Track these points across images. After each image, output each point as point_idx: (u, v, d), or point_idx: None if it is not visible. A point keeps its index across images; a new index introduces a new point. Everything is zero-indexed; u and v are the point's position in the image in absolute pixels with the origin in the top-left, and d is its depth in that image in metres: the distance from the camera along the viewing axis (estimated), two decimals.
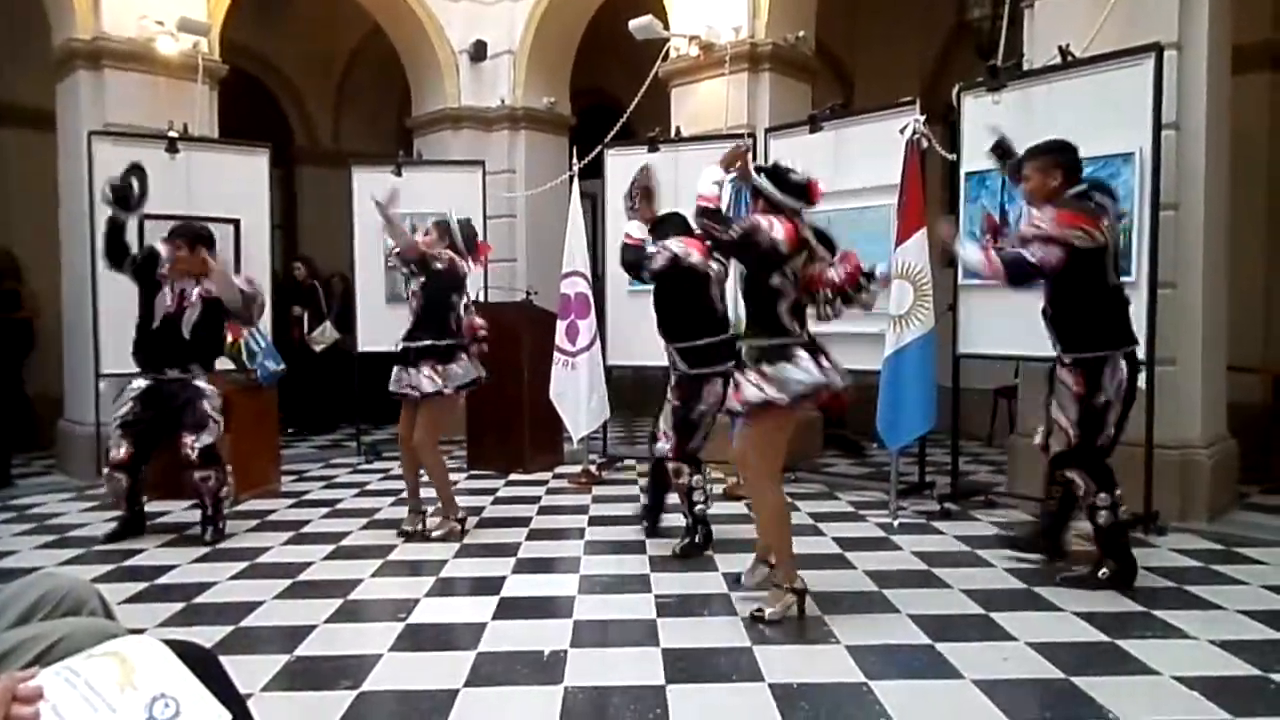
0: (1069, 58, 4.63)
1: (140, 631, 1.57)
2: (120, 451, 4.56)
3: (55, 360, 6.88)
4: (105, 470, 4.73)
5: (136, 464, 4.63)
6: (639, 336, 6.20)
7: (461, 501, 5.49)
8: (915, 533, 4.63)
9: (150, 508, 5.40)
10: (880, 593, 3.62)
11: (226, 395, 5.48)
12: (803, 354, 3.28)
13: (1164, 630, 3.15)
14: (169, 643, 1.28)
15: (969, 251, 3.78)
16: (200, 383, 4.67)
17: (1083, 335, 3.59)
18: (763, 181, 3.44)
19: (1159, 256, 4.37)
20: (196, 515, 5.13)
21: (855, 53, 8.95)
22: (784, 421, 3.38)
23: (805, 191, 3.43)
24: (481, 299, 7.00)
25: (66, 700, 1.13)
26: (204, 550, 4.42)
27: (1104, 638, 3.08)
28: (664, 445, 4.26)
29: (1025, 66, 4.97)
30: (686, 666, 2.88)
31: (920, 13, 8.46)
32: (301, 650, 3.06)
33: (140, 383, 4.65)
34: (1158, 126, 4.33)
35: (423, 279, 4.80)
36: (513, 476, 6.23)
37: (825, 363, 3.30)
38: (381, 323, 7.35)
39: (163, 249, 4.70)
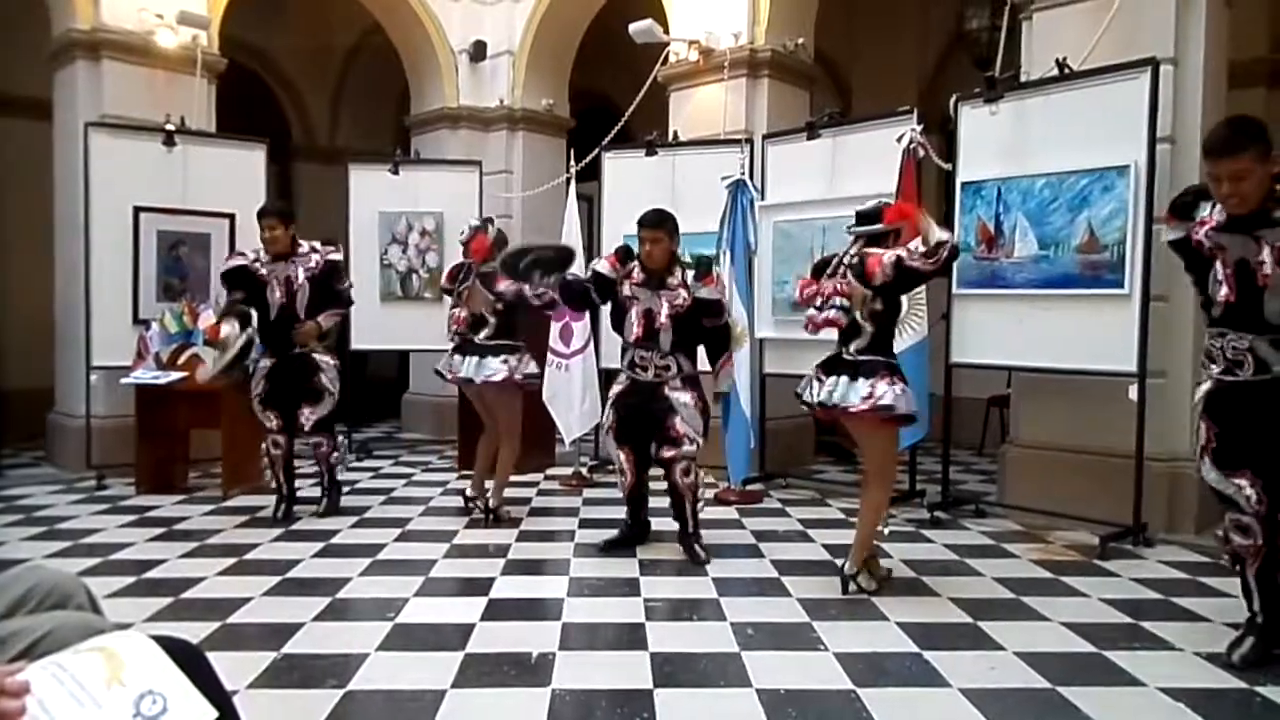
0: (1066, 70, 4.65)
1: (127, 626, 1.57)
2: (272, 423, 4.99)
3: (47, 352, 6.84)
4: (263, 445, 5.14)
5: (287, 433, 5.03)
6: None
7: (452, 502, 5.52)
8: (905, 541, 4.63)
9: (140, 501, 5.40)
10: (869, 600, 3.63)
11: (216, 390, 5.49)
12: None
13: (1151, 642, 3.17)
14: (156, 638, 1.28)
15: None
16: (318, 356, 5.02)
17: None
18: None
19: (1151, 269, 4.39)
20: (189, 510, 5.13)
21: (854, 61, 8.97)
22: None
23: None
24: None
25: (53, 695, 1.12)
26: (192, 545, 4.40)
27: (1091, 648, 3.10)
28: (692, 448, 4.19)
29: (1022, 78, 4.99)
30: (674, 671, 2.88)
31: (919, 23, 8.49)
32: (289, 648, 3.05)
33: (266, 361, 4.98)
34: (1153, 140, 4.35)
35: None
36: None
37: None
38: (377, 321, 7.37)
39: (240, 259, 5.04)
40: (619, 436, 4.31)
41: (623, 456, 4.31)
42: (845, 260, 3.73)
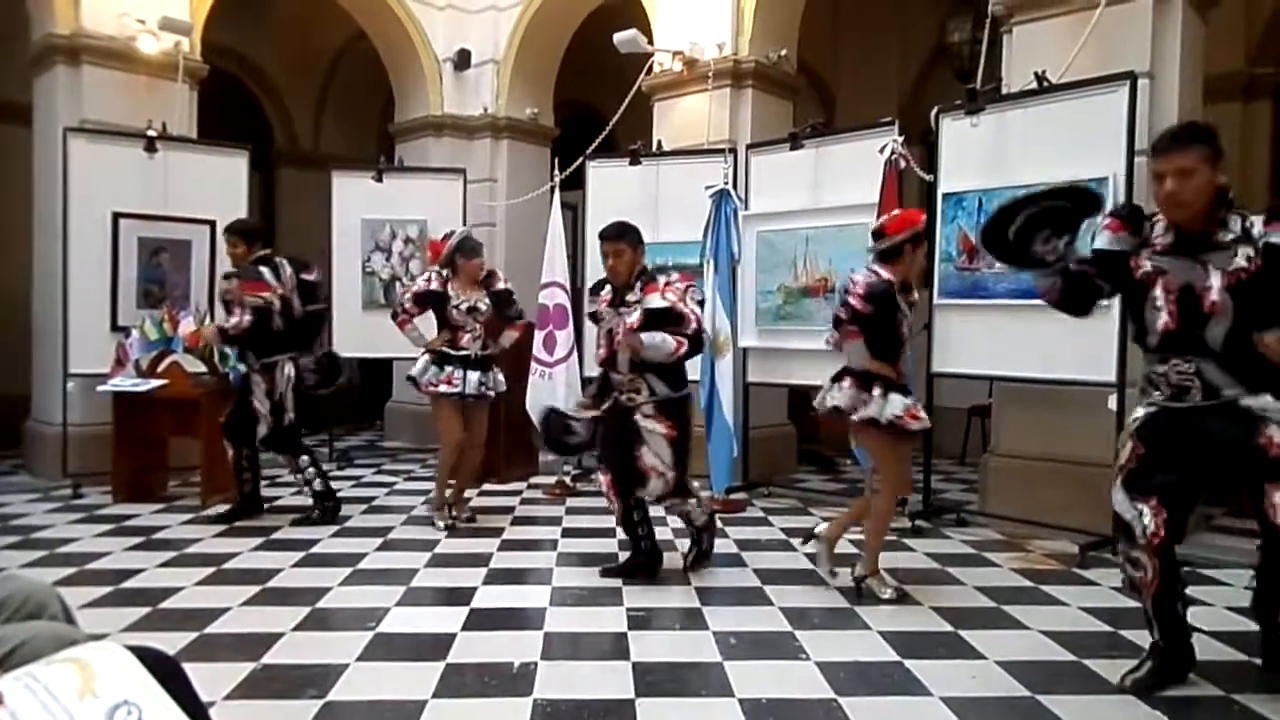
0: (1045, 83, 4.70)
1: (103, 637, 1.55)
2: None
3: (23, 359, 6.77)
4: None
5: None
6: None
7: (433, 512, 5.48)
8: (887, 549, 4.63)
9: (118, 510, 5.35)
10: (851, 609, 3.63)
11: (196, 398, 5.45)
12: None
13: (1130, 650, 3.18)
14: (132, 649, 1.27)
15: None
16: (252, 376, 5.01)
17: None
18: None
19: None
20: (167, 519, 5.08)
21: (837, 72, 9.04)
22: None
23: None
24: None
25: (25, 707, 1.11)
26: (170, 555, 4.36)
27: (1071, 657, 3.11)
28: (660, 485, 3.89)
29: (1003, 91, 5.04)
30: (657, 681, 2.87)
31: (901, 35, 8.57)
32: (268, 658, 3.02)
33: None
34: (1131, 152, 4.40)
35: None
36: (487, 486, 6.20)
37: None
38: (358, 328, 7.34)
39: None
40: (600, 459, 4.12)
41: (604, 482, 4.04)
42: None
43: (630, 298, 3.92)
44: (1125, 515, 2.76)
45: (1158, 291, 2.67)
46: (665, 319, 3.85)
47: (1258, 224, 2.58)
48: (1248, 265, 2.56)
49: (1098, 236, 2.80)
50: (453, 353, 4.91)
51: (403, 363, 8.12)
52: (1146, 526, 2.69)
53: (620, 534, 4.35)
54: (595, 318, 4.12)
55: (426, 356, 4.95)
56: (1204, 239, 2.62)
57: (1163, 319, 2.67)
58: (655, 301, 3.85)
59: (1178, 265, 2.65)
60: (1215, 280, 2.58)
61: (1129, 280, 2.75)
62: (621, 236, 3.99)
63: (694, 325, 3.88)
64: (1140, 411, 2.80)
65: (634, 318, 3.84)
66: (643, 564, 4.05)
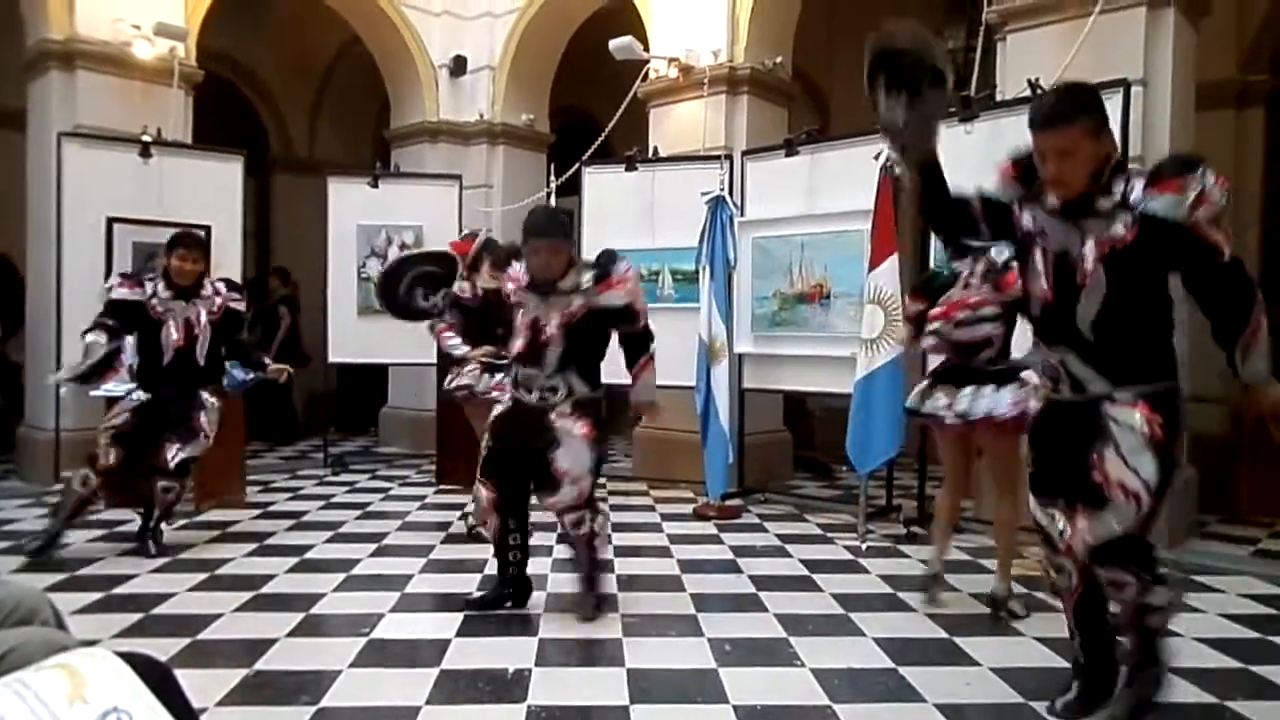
0: (1039, 90, 4.71)
1: (94, 643, 1.54)
2: (110, 459, 4.35)
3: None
4: (84, 472, 4.39)
5: (121, 471, 4.44)
6: (610, 353, 6.22)
7: (429, 517, 5.48)
8: (882, 556, 4.65)
9: (110, 515, 5.32)
10: (846, 616, 3.63)
11: None
12: None
13: (1123, 657, 3.18)
14: (123, 655, 1.26)
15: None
16: (205, 395, 4.55)
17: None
18: None
19: None
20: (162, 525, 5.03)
21: (831, 79, 9.06)
22: None
23: None
24: None
25: (14, 713, 1.10)
26: (163, 561, 4.33)
27: (1064, 663, 3.10)
28: (571, 493, 3.48)
29: (997, 98, 5.06)
30: (651, 687, 2.87)
31: None
32: (261, 664, 3.01)
33: (141, 395, 4.46)
34: (1124, 160, 4.41)
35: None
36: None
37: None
38: (353, 334, 7.34)
39: (135, 292, 4.44)
40: (485, 469, 3.54)
41: (484, 493, 3.53)
42: (976, 273, 3.60)
43: (564, 285, 3.46)
44: (1041, 521, 2.59)
45: (1037, 255, 2.44)
46: (619, 317, 3.53)
47: (1138, 188, 2.28)
48: (1123, 235, 2.28)
49: (994, 177, 2.57)
50: (499, 361, 4.55)
51: (399, 369, 8.16)
52: (1062, 531, 2.49)
53: (614, 541, 4.35)
54: (514, 304, 3.59)
55: (475, 367, 4.69)
56: (1085, 203, 2.33)
57: (1040, 288, 2.43)
58: (614, 299, 3.48)
59: (1057, 229, 2.38)
60: (1090, 250, 2.32)
61: (1011, 234, 2.51)
62: (553, 231, 3.50)
63: (643, 321, 3.58)
64: (1032, 407, 2.68)
65: (573, 306, 3.45)
66: (508, 595, 3.65)
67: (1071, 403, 2.44)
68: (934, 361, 3.92)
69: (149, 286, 4.48)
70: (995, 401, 3.49)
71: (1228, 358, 2.34)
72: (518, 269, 3.60)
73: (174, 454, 4.40)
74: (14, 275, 7.29)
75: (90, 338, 4.34)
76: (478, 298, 4.78)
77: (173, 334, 4.45)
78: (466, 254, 4.96)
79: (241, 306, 4.76)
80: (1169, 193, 2.23)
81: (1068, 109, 2.33)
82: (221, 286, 4.68)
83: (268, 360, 4.97)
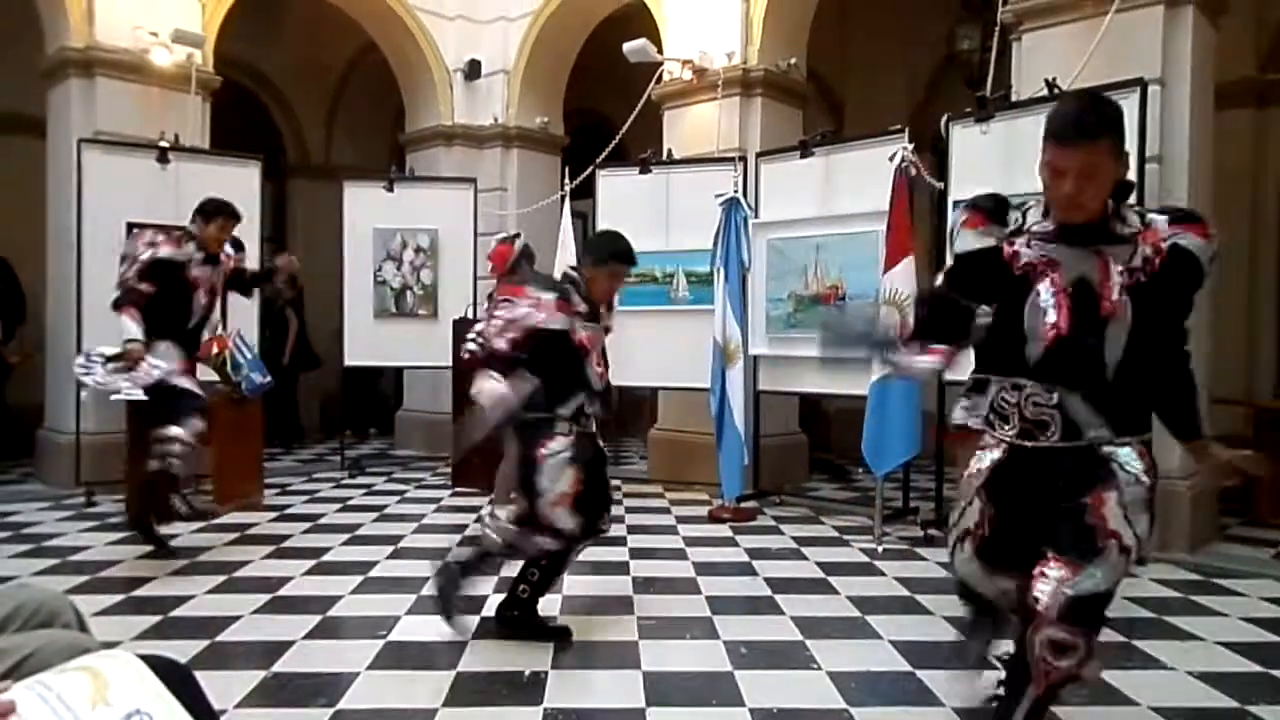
0: (1055, 90, 4.69)
1: (115, 645, 1.55)
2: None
3: (37, 368, 6.82)
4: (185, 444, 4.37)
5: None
6: (627, 355, 6.22)
7: (444, 520, 5.50)
8: (899, 559, 4.63)
9: None
10: (863, 619, 3.62)
11: (210, 407, 5.46)
12: None
13: (1143, 661, 3.16)
14: (144, 657, 1.27)
15: None
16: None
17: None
18: None
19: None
20: (179, 527, 5.07)
21: (845, 80, 9.04)
22: None
23: None
24: (472, 316, 7.01)
25: (38, 715, 1.12)
26: (182, 563, 4.37)
27: None
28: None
29: (1013, 98, 5.03)
30: (667, 690, 2.87)
31: (910, 43, 8.56)
32: (278, 666, 3.03)
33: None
34: (1141, 160, 4.38)
35: None
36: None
37: None
38: (370, 337, 7.37)
39: (177, 252, 4.52)
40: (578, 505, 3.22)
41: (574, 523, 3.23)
42: None
43: (604, 310, 3.42)
44: (983, 591, 2.31)
45: (1043, 287, 2.09)
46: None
47: (1159, 222, 2.09)
48: (1151, 261, 2.04)
49: (957, 238, 2.24)
50: None
51: (415, 371, 8.19)
52: (1017, 597, 2.16)
53: (630, 543, 4.33)
54: (578, 336, 3.29)
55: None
56: (1099, 228, 2.06)
57: (1050, 321, 2.07)
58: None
59: (1070, 255, 2.08)
60: (1116, 277, 2.04)
61: (1003, 281, 2.15)
62: (631, 258, 3.39)
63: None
64: (985, 458, 2.22)
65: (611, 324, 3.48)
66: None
67: (1053, 449, 2.11)
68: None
69: (189, 247, 4.56)
70: None
71: (1171, 429, 2.23)
72: (550, 298, 3.19)
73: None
74: (13, 277, 7.37)
75: (132, 329, 4.37)
76: None
77: (202, 299, 4.60)
78: (507, 258, 5.01)
79: (245, 264, 4.99)
80: (1196, 235, 2.06)
81: (1097, 122, 2.01)
82: (230, 249, 4.81)
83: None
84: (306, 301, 9.34)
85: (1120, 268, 2.05)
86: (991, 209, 2.21)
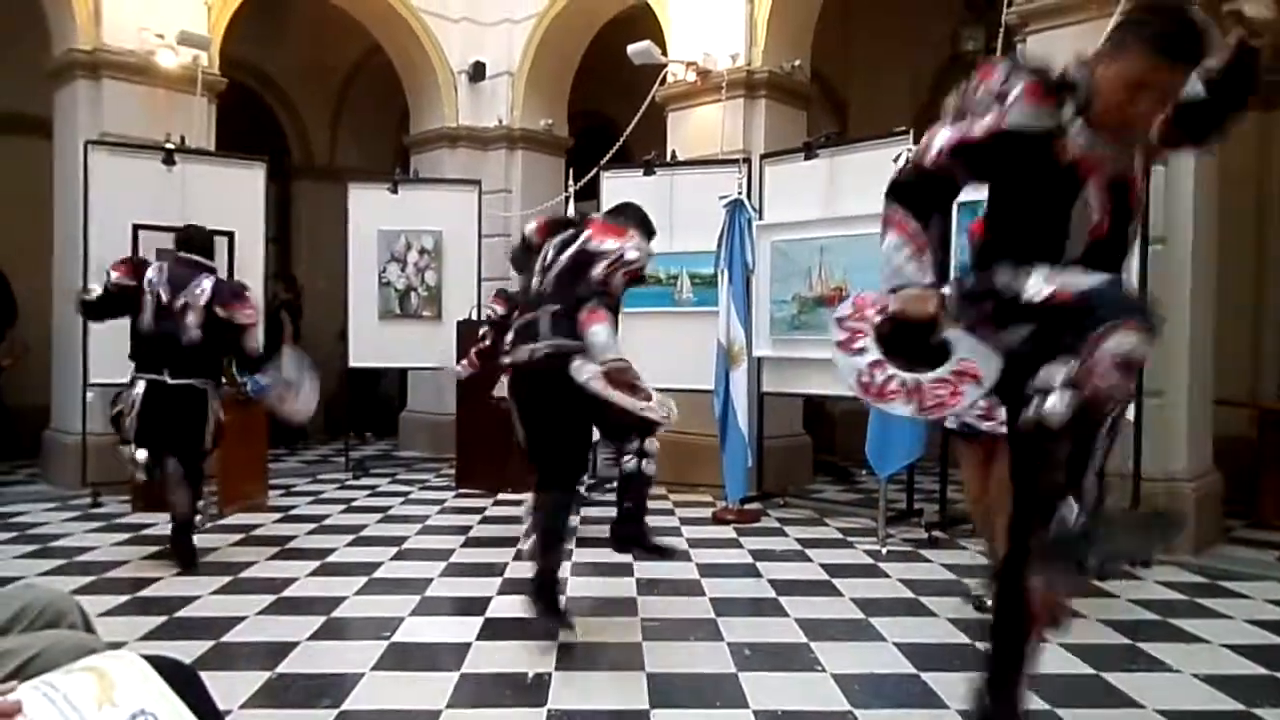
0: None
1: (120, 645, 1.56)
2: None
3: (42, 369, 6.84)
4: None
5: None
6: (630, 357, 6.21)
7: (448, 521, 5.51)
8: (903, 560, 4.62)
9: (136, 519, 5.39)
10: (867, 621, 3.62)
11: None
12: None
13: (1148, 663, 3.15)
14: (149, 658, 1.28)
15: None
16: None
17: None
18: None
19: (1147, 289, 4.41)
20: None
21: (849, 82, 9.03)
22: None
23: None
24: (476, 317, 7.03)
25: (44, 715, 1.12)
26: None
27: (1089, 670, 3.08)
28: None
29: None
30: (671, 691, 2.87)
31: (914, 45, 8.56)
32: (283, 667, 3.04)
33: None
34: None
35: None
36: (500, 496, 6.21)
37: None
38: (374, 339, 7.39)
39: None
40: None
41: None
42: None
43: None
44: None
45: (1091, 185, 2.05)
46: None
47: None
48: (1152, 153, 2.18)
49: (1012, 109, 2.04)
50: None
51: (419, 373, 8.21)
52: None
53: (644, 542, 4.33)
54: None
55: None
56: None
57: (1095, 220, 2.06)
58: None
59: (1112, 151, 2.05)
60: (1139, 167, 2.12)
61: (1045, 169, 2.05)
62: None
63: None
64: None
65: None
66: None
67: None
68: None
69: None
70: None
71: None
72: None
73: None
74: (2, 278, 7.40)
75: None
76: None
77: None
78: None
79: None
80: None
81: (1205, 45, 1.95)
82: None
83: None
84: (311, 303, 9.36)
85: (1141, 160, 2.09)
86: (1050, 82, 2.05)
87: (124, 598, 3.82)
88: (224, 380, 5.68)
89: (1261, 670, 3.10)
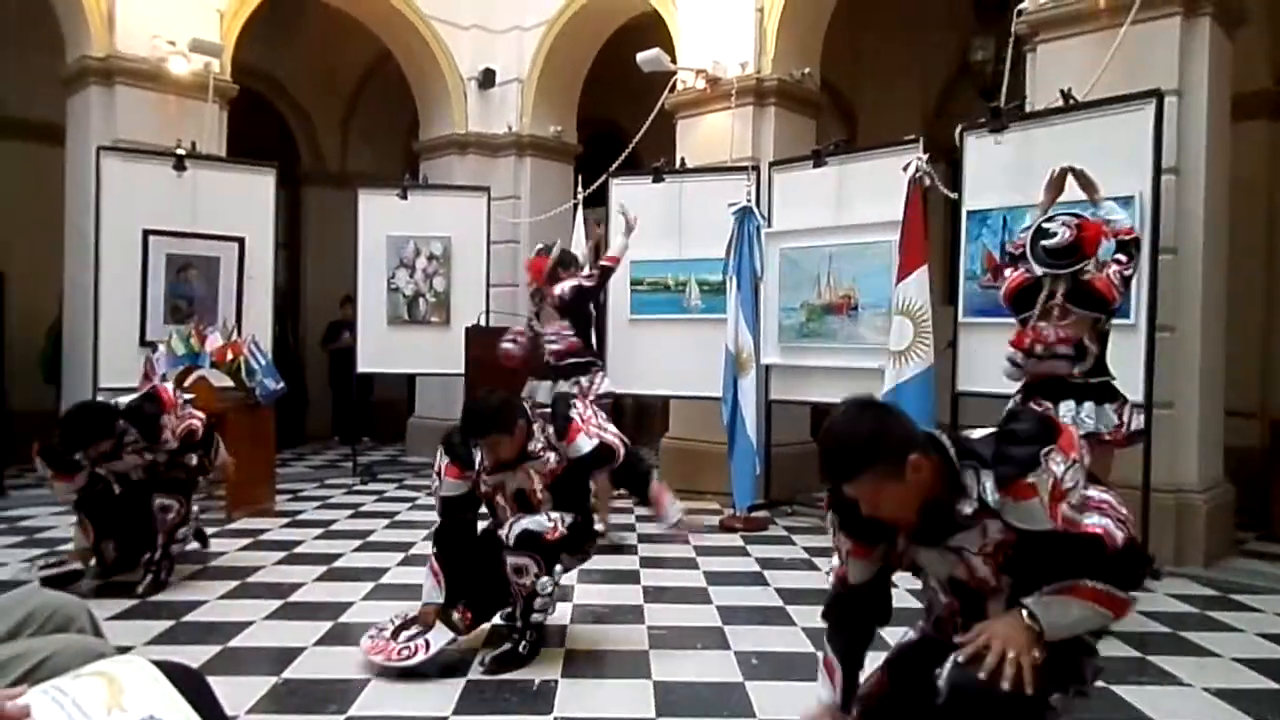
0: (1071, 101, 4.68)
1: (128, 650, 1.56)
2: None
3: (38, 373, 6.87)
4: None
5: None
6: (639, 364, 6.23)
7: None
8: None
9: None
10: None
11: (223, 413, 5.50)
12: None
13: (1159, 676, 3.13)
14: (157, 663, 1.28)
15: None
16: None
17: None
18: None
19: (1158, 300, 4.39)
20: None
21: (860, 90, 9.05)
22: None
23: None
24: (484, 323, 7.04)
25: None
26: (195, 568, 4.38)
27: (1099, 683, 3.05)
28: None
29: (1027, 108, 5.02)
30: (677, 700, 2.86)
31: (924, 53, 8.57)
32: (290, 672, 3.03)
33: None
34: (1158, 171, 4.36)
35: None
36: None
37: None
38: (383, 345, 7.41)
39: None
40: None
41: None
42: (1052, 301, 3.57)
43: (532, 448, 3.15)
44: None
45: (930, 580, 2.19)
46: (599, 460, 3.18)
47: (988, 486, 1.85)
48: (1003, 537, 1.89)
49: (850, 567, 2.34)
50: None
51: (427, 379, 8.22)
52: None
53: (641, 552, 4.32)
54: (482, 494, 3.29)
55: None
56: (944, 520, 1.92)
57: (944, 602, 2.14)
58: (585, 445, 3.14)
59: (931, 558, 2.07)
60: (978, 562, 1.96)
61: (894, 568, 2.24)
62: (491, 429, 3.05)
63: (621, 452, 3.21)
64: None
65: (553, 463, 3.17)
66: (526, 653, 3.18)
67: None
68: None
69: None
70: (1102, 420, 3.57)
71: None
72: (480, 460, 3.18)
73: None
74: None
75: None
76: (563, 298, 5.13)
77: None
78: (544, 269, 5.20)
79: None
80: (1024, 499, 1.81)
81: (848, 462, 1.90)
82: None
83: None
84: (314, 304, 9.36)
85: (977, 554, 1.94)
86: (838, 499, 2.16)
87: (132, 602, 3.82)
88: (234, 385, 5.73)
89: (1273, 685, 3.07)
